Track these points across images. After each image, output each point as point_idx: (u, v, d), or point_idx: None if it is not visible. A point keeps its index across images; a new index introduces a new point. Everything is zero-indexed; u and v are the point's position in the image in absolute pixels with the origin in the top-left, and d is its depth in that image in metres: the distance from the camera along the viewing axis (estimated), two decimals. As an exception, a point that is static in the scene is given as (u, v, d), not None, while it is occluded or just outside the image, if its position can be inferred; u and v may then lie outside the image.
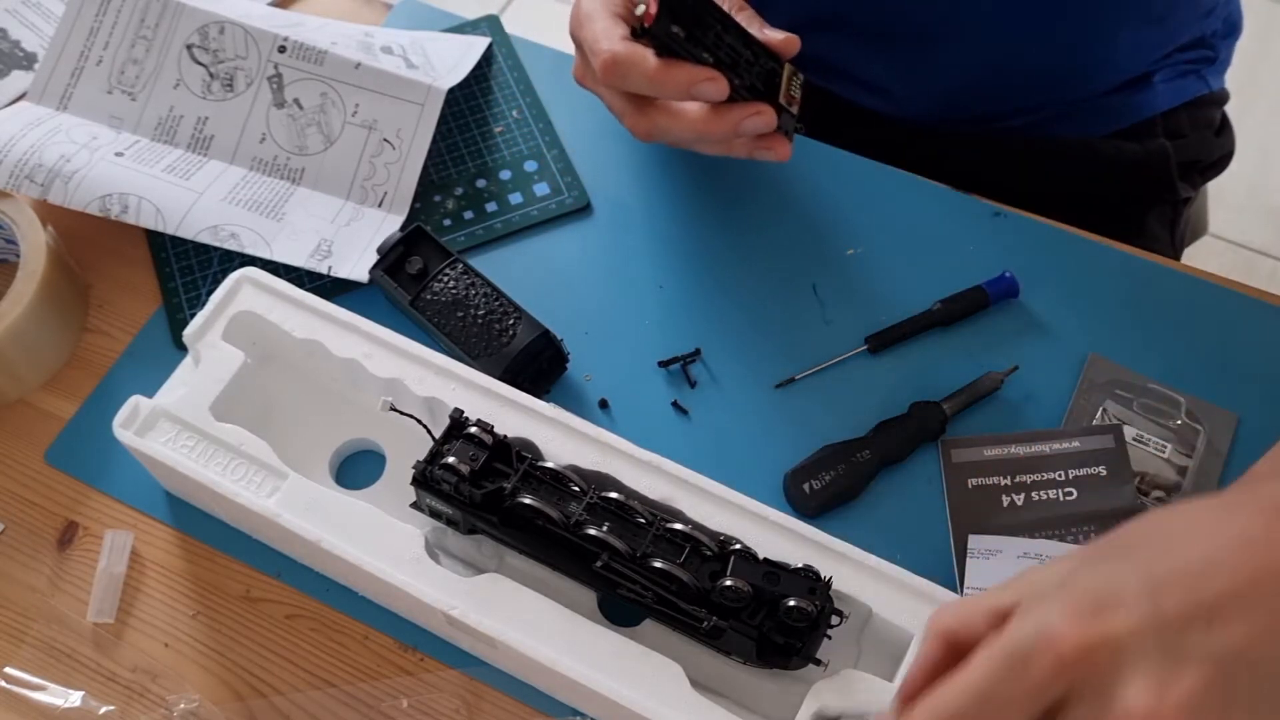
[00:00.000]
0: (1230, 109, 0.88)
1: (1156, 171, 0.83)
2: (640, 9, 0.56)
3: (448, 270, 0.65)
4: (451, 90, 0.72)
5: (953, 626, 0.40)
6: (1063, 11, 0.74)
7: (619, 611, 0.57)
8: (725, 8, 0.59)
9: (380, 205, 0.71)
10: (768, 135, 0.60)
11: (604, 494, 0.55)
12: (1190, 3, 0.79)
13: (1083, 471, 0.61)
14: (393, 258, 0.65)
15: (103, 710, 0.57)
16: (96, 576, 0.60)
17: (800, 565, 0.53)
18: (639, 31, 0.56)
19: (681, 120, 0.59)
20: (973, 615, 0.39)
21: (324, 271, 0.67)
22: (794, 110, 0.59)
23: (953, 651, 0.39)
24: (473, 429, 0.56)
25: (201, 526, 0.62)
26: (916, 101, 0.83)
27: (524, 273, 0.69)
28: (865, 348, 0.66)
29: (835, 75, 0.84)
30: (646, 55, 0.57)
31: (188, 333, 0.61)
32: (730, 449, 0.64)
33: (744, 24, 0.59)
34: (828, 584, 0.52)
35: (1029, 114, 0.81)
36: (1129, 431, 0.62)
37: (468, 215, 0.71)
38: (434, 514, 0.58)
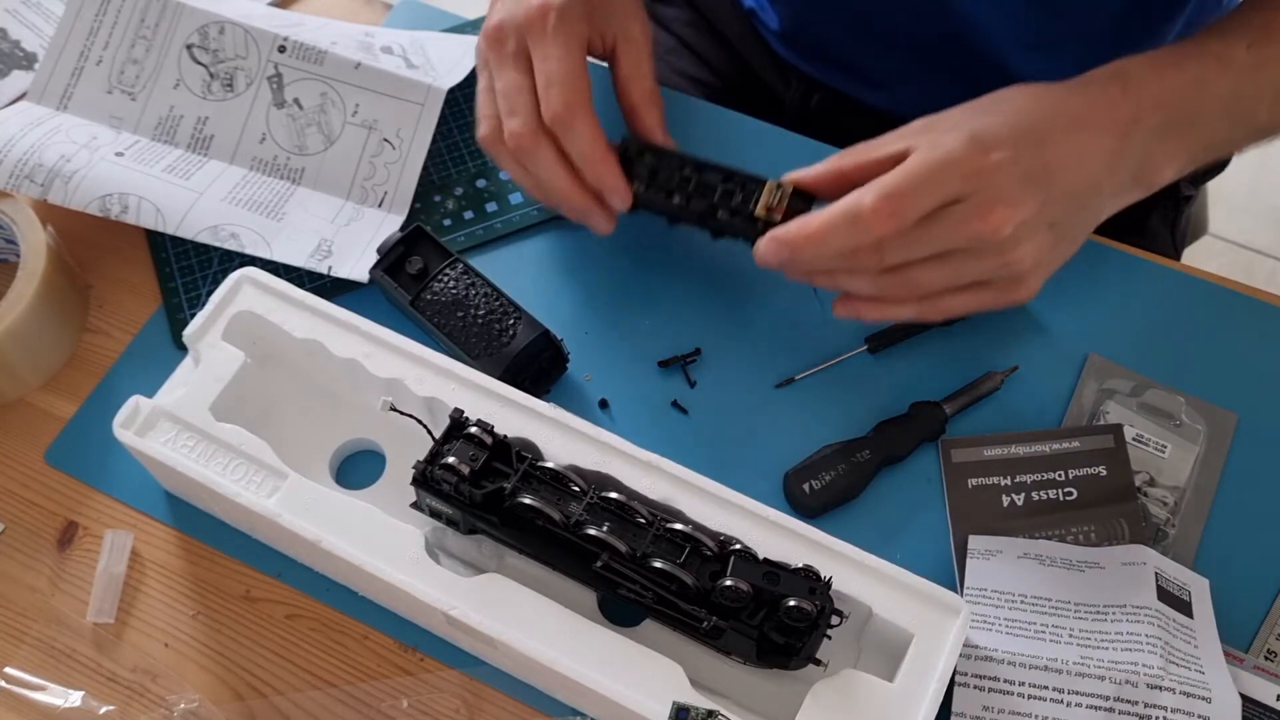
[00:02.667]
0: (1230, 108, 0.88)
1: None
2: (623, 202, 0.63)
3: (448, 270, 0.65)
4: (451, 90, 0.72)
5: (850, 166, 0.59)
6: (1079, 35, 0.75)
7: (619, 611, 0.57)
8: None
9: (380, 205, 0.71)
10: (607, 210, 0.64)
11: (604, 494, 0.55)
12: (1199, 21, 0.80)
13: (1083, 471, 0.61)
14: (393, 258, 0.65)
15: (103, 710, 0.57)
16: (96, 576, 0.60)
17: (800, 565, 0.53)
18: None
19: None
20: (869, 156, 0.58)
21: (324, 271, 0.67)
22: (776, 218, 0.61)
23: (844, 183, 0.58)
24: (473, 429, 0.56)
25: (201, 526, 0.62)
26: (921, 104, 0.82)
27: (524, 273, 0.69)
28: (865, 348, 0.66)
29: (841, 70, 0.84)
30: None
31: (188, 333, 0.61)
32: (730, 449, 0.64)
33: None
34: (828, 584, 0.52)
35: None
36: (1129, 431, 0.62)
37: (468, 215, 0.72)
38: (434, 514, 0.58)
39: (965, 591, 0.58)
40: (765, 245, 0.58)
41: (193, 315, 0.64)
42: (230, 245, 0.67)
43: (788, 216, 0.61)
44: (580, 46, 0.62)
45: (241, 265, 0.63)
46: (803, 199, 0.62)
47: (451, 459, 0.54)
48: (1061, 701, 0.53)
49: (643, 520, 0.54)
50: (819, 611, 0.51)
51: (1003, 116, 0.57)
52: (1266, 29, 0.62)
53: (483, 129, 0.64)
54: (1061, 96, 0.59)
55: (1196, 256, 0.91)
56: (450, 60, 0.74)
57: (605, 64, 0.67)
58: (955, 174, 0.55)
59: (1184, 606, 0.57)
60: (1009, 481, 0.61)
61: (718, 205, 0.63)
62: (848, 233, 0.56)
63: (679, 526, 0.54)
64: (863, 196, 0.55)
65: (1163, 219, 0.85)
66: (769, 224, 0.61)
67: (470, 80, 0.76)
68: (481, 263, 0.69)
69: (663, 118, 0.66)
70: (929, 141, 0.56)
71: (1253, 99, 0.61)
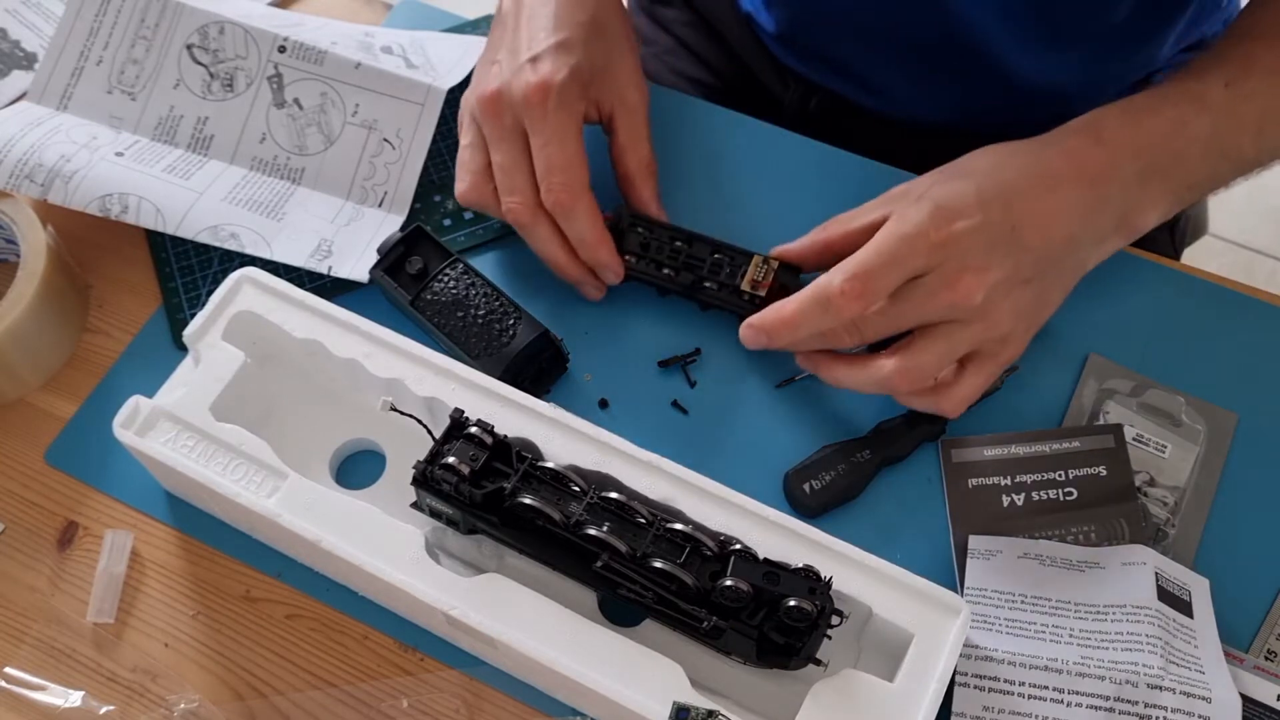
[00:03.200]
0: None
1: None
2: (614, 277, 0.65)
3: (448, 270, 0.65)
4: (452, 90, 0.72)
5: (834, 236, 0.61)
6: (1080, 36, 0.74)
7: (619, 611, 0.57)
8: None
9: (380, 205, 0.71)
10: (598, 277, 0.66)
11: (604, 494, 0.55)
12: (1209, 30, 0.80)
13: (1083, 471, 0.61)
14: (393, 258, 0.65)
15: (103, 710, 0.57)
16: (96, 576, 0.60)
17: (800, 565, 0.53)
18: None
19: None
20: (850, 226, 0.60)
21: (324, 271, 0.67)
22: (761, 293, 0.64)
23: (829, 253, 0.60)
24: (473, 429, 0.56)
25: (201, 526, 0.62)
26: (919, 106, 0.82)
27: (524, 273, 0.69)
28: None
29: (839, 73, 0.83)
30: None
31: (188, 333, 0.61)
32: (730, 449, 0.64)
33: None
34: (828, 584, 0.52)
35: (1035, 127, 0.81)
36: (1129, 431, 0.62)
37: (468, 215, 0.71)
38: (434, 514, 0.58)
39: (965, 591, 0.58)
40: (743, 332, 0.61)
41: (193, 315, 0.64)
42: (230, 245, 0.67)
43: (774, 290, 0.63)
44: (578, 128, 0.63)
45: (241, 265, 0.63)
46: (791, 272, 0.64)
47: (451, 459, 0.54)
48: (1062, 701, 0.53)
49: (643, 520, 0.54)
50: (819, 611, 0.51)
51: (971, 180, 0.58)
52: (1245, 63, 0.62)
53: (463, 185, 0.65)
54: (1033, 152, 0.59)
55: (1196, 256, 0.91)
56: (450, 60, 0.75)
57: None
58: (921, 247, 0.55)
59: (1184, 606, 0.57)
60: (1009, 481, 0.61)
61: (706, 278, 0.65)
62: (820, 316, 0.57)
63: (679, 526, 0.54)
64: (832, 278, 0.56)
65: (1163, 219, 0.85)
66: (754, 298, 0.64)
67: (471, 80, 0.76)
68: (481, 263, 0.69)
69: (657, 189, 0.67)
70: (897, 214, 0.57)
71: (1234, 135, 0.62)
